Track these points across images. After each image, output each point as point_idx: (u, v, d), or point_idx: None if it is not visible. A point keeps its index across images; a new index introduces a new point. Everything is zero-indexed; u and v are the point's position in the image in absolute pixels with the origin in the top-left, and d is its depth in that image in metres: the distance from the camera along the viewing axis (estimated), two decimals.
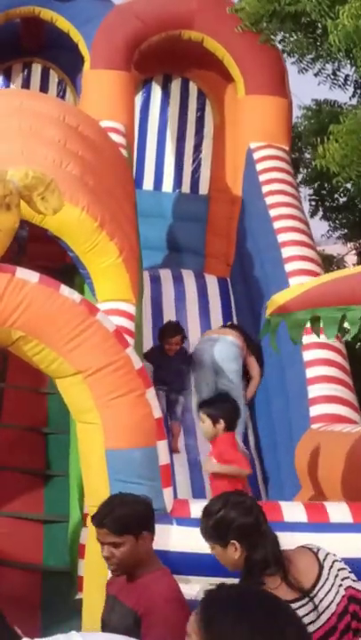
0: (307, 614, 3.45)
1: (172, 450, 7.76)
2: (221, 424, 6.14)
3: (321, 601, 3.48)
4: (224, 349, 8.20)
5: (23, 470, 7.41)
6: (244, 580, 3.56)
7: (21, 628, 5.38)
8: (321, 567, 3.54)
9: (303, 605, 3.46)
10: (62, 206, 5.07)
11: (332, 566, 3.56)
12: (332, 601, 3.49)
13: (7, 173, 4.92)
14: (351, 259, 12.32)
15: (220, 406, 6.26)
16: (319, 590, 3.50)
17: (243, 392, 8.16)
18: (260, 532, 3.60)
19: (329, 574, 3.54)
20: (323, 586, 3.52)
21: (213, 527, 3.67)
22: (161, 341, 8.43)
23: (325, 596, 3.50)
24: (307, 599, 3.47)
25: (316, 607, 3.46)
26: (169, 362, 8.27)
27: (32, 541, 6.94)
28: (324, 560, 3.57)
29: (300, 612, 3.43)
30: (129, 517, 3.84)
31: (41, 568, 6.77)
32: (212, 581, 4.71)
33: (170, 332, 8.43)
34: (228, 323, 8.83)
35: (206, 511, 3.73)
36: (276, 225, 8.54)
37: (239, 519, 3.62)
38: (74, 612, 5.89)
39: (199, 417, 6.38)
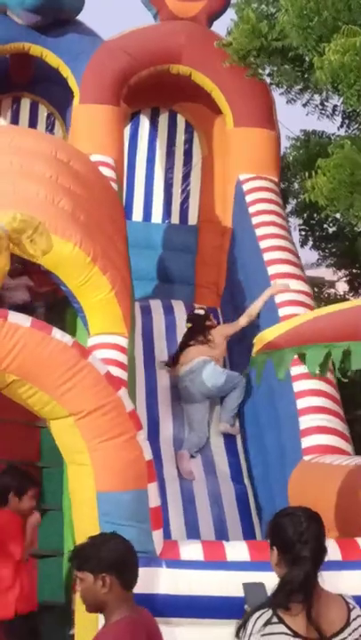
0: None
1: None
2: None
3: None
4: (206, 376, 8.31)
5: None
6: (273, 597, 3.59)
7: None
8: (348, 624, 3.56)
9: None
10: (51, 248, 5.15)
11: (356, 629, 3.57)
12: None
13: None
14: (342, 286, 12.40)
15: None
16: None
17: (237, 379, 8.34)
18: (300, 554, 3.60)
19: (352, 634, 3.55)
20: None
21: (269, 526, 3.75)
22: None
23: None
24: None
25: None
26: None
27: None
28: (353, 619, 3.58)
29: None
30: (91, 555, 3.87)
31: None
32: (203, 622, 4.78)
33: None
34: (187, 325, 8.80)
35: (275, 514, 3.78)
36: (266, 256, 8.61)
37: (285, 529, 3.65)
38: None
39: None
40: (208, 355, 8.43)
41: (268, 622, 3.47)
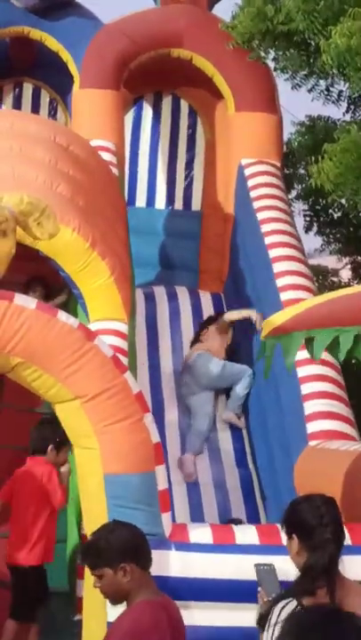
0: None
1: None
2: None
3: None
4: (200, 366, 8.40)
5: None
6: (296, 585, 3.56)
7: None
8: None
9: None
10: (58, 231, 5.10)
11: None
12: None
13: (2, 200, 4.94)
14: (346, 273, 12.35)
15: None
16: None
17: (240, 370, 8.40)
18: (322, 537, 3.58)
19: None
20: None
21: (285, 515, 3.73)
22: None
23: None
24: None
25: None
26: None
27: None
28: None
29: None
30: (102, 549, 3.85)
31: None
32: (213, 605, 4.74)
33: None
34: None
35: (291, 502, 3.78)
36: (268, 240, 8.57)
37: (303, 515, 3.63)
38: (73, 633, 5.90)
39: None
40: (203, 348, 8.56)
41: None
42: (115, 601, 3.89)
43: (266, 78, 9.70)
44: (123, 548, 3.83)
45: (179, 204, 10.46)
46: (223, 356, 8.62)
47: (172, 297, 9.60)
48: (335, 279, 12.42)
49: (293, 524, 3.65)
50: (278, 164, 9.64)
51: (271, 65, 9.41)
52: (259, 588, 4.06)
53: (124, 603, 3.87)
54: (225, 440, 8.24)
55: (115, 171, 8.77)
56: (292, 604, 3.45)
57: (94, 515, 4.93)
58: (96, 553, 3.86)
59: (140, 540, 3.90)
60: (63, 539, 6.89)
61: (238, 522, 6.93)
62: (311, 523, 3.58)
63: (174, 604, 3.96)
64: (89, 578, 5.02)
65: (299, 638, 2.16)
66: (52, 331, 4.92)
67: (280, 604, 3.47)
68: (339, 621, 2.19)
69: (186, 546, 4.93)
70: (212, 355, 8.49)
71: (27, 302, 4.96)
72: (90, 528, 5.00)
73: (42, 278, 8.73)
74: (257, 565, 4.12)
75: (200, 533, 5.04)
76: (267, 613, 3.52)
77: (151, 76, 10.05)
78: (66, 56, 9.78)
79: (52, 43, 9.84)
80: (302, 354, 6.53)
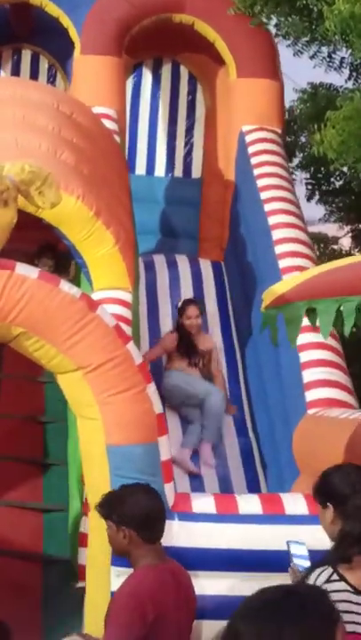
0: None
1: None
2: None
3: None
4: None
5: (21, 460, 7.42)
6: (332, 552, 3.60)
7: (22, 617, 5.42)
8: None
9: None
10: (60, 200, 5.06)
11: None
12: None
13: (4, 169, 4.89)
14: (347, 241, 12.33)
15: None
16: None
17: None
18: (355, 504, 3.63)
19: None
20: None
21: (317, 487, 3.81)
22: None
23: None
24: None
25: None
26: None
27: (32, 530, 6.96)
28: None
29: None
30: (114, 507, 4.05)
31: (41, 557, 6.80)
32: (217, 575, 4.78)
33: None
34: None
35: (322, 473, 3.85)
36: (267, 207, 8.52)
37: (336, 484, 3.70)
38: (75, 601, 5.94)
39: None
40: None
41: (328, 580, 3.44)
42: (115, 552, 4.16)
43: (268, 44, 9.61)
44: (130, 515, 3.95)
45: (179, 172, 10.40)
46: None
47: (173, 265, 9.57)
48: (335, 247, 12.40)
49: (327, 493, 3.73)
50: (280, 131, 9.57)
51: (273, 31, 9.32)
52: (291, 564, 4.10)
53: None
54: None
55: (117, 138, 8.72)
56: (327, 572, 3.48)
57: (96, 484, 4.94)
58: (108, 504, 4.08)
59: (153, 515, 4.02)
60: (64, 507, 6.92)
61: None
62: (344, 491, 3.66)
63: (184, 570, 4.02)
64: (93, 546, 5.06)
65: (251, 619, 2.10)
66: (53, 301, 4.89)
67: (316, 572, 3.51)
68: (296, 598, 2.10)
69: (189, 516, 4.95)
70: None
71: (29, 272, 4.93)
72: (92, 498, 5.02)
73: (52, 247, 8.71)
74: (289, 542, 4.16)
75: (203, 503, 5.06)
76: (303, 580, 3.55)
77: (151, 41, 9.95)
78: (66, 22, 9.67)
79: (52, 9, 9.72)
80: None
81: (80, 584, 6.28)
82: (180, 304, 8.40)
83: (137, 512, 3.96)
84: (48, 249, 8.72)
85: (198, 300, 8.56)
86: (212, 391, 7.97)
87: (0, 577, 6.38)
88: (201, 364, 8.21)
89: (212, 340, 8.51)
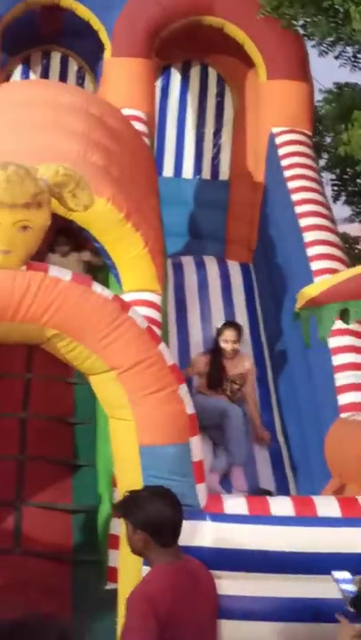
0: None
1: None
2: None
3: None
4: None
5: (51, 460, 7.44)
6: None
7: (53, 618, 5.46)
8: None
9: None
10: (93, 202, 5.07)
11: None
12: None
13: (37, 171, 4.92)
14: None
15: None
16: None
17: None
18: None
19: None
20: None
21: None
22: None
23: None
24: None
25: None
26: None
27: (61, 531, 6.98)
28: None
29: None
30: (131, 509, 4.10)
31: (70, 558, 6.82)
32: (249, 577, 4.79)
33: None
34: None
35: None
36: (298, 210, 8.54)
37: None
38: (105, 602, 5.96)
39: None
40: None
41: None
42: (132, 552, 4.18)
43: (298, 46, 9.63)
44: (146, 520, 4.01)
45: (206, 174, 10.44)
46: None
47: (200, 266, 9.59)
48: (360, 247, 12.38)
49: None
50: (310, 133, 9.60)
51: (300, 31, 9.32)
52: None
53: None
54: None
55: (146, 140, 8.74)
56: None
57: (129, 485, 4.92)
58: (126, 506, 4.13)
59: (167, 522, 4.05)
60: (93, 508, 6.94)
61: (267, 492, 6.91)
62: None
63: (204, 569, 4.04)
64: (125, 547, 5.07)
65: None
66: (87, 302, 4.91)
67: None
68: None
69: (221, 517, 4.95)
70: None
71: (61, 274, 4.96)
72: None
73: (67, 230, 8.67)
74: (333, 572, 4.15)
75: (235, 504, 5.06)
76: None
77: (180, 43, 10.00)
78: (97, 24, 9.74)
79: (82, 11, 9.79)
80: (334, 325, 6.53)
81: (109, 585, 6.30)
82: (220, 325, 8.14)
83: (152, 518, 4.00)
84: (61, 234, 8.64)
85: (239, 325, 8.21)
86: (228, 408, 7.69)
87: (31, 577, 6.40)
88: (229, 391, 7.92)
89: (249, 361, 8.12)
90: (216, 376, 7.90)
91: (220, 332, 8.04)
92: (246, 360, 8.13)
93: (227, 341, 7.94)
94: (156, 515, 4.02)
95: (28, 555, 6.61)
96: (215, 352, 7.99)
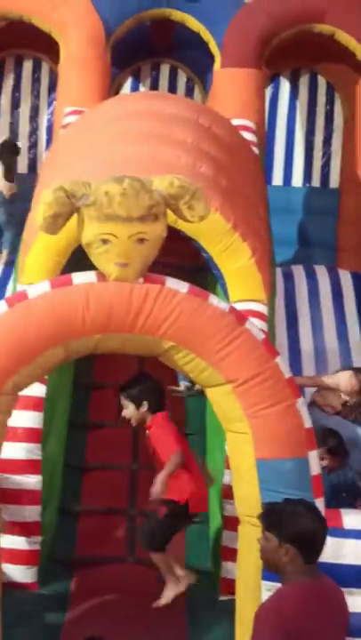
0: None
1: None
2: (145, 406, 6.10)
3: None
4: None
5: None
6: None
7: (169, 629, 5.46)
8: None
9: None
10: (209, 213, 5.06)
11: None
12: None
13: (153, 183, 4.94)
14: None
15: (142, 387, 6.14)
16: None
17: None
18: None
19: None
20: None
21: None
22: None
23: None
24: None
25: None
26: None
27: (175, 542, 6.99)
28: None
29: None
30: (280, 522, 3.95)
31: (184, 567, 6.82)
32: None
33: None
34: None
35: None
36: None
37: None
38: (220, 614, 5.94)
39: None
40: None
41: None
42: (266, 566, 4.06)
43: None
44: (296, 535, 3.90)
45: (316, 182, 10.41)
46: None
47: (311, 276, 9.53)
48: None
49: None
50: None
51: None
52: None
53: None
54: None
55: (255, 150, 8.74)
56: None
57: (246, 497, 4.94)
58: (275, 519, 3.99)
59: (318, 535, 3.94)
60: (205, 520, 6.94)
61: None
62: None
63: (336, 588, 3.97)
64: (244, 560, 5.05)
65: None
66: (203, 314, 4.92)
67: None
68: None
69: (340, 532, 4.90)
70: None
71: (179, 286, 4.97)
72: (242, 510, 5.03)
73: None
74: None
75: (354, 519, 5.01)
76: None
77: (289, 52, 9.99)
78: (207, 36, 9.80)
79: (193, 23, 9.86)
80: None
81: (223, 597, 6.29)
82: None
83: (305, 532, 3.91)
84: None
85: None
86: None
87: (145, 589, 6.43)
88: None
89: None
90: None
91: None
92: None
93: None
94: (308, 529, 3.95)
95: (142, 563, 6.64)
96: None
